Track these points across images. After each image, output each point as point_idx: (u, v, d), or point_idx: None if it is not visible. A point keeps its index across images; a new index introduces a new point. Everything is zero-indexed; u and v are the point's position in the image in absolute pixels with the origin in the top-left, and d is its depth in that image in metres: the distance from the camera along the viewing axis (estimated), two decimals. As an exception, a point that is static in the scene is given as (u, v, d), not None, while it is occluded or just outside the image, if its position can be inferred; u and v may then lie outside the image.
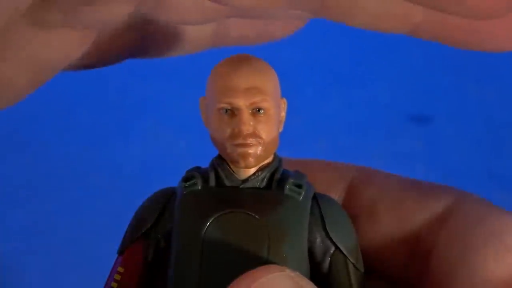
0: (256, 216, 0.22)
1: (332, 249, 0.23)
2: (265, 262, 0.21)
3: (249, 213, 0.22)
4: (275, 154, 0.24)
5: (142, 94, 0.78)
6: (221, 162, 0.23)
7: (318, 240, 0.23)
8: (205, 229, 0.22)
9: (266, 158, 0.23)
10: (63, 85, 0.80)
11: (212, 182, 0.23)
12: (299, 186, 0.23)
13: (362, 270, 0.23)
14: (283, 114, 0.24)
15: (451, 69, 0.72)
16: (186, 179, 0.23)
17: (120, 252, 0.24)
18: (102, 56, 0.23)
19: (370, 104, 0.70)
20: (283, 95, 0.24)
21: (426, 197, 0.24)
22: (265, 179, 0.23)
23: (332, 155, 0.57)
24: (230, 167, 0.23)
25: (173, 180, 0.25)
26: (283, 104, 0.24)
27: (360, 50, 0.75)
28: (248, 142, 0.22)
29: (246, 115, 0.22)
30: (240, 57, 0.23)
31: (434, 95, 0.71)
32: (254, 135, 0.22)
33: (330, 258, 0.23)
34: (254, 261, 0.21)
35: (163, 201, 0.23)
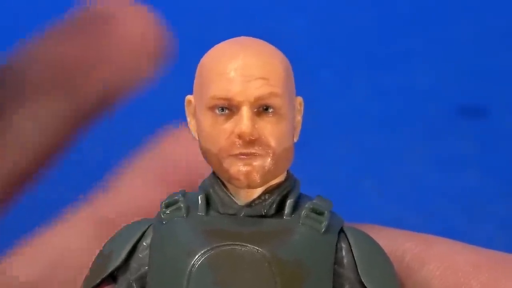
0: (259, 252, 0.21)
1: None
2: None
3: (250, 247, 0.21)
4: (288, 172, 0.23)
5: (142, 94, 0.84)
6: (215, 182, 0.23)
7: (347, 286, 0.22)
8: (188, 269, 0.21)
9: (276, 176, 0.22)
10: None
11: (202, 208, 0.22)
12: (321, 213, 0.22)
13: None
14: (299, 118, 0.23)
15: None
16: (167, 205, 0.22)
17: None
18: None
19: (407, 93, 0.68)
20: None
21: (502, 277, 0.24)
22: (274, 205, 0.22)
23: (356, 159, 0.57)
24: (226, 189, 0.22)
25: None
26: (299, 104, 0.23)
27: (393, 21, 0.72)
28: (252, 151, 0.21)
29: (249, 114, 0.21)
30: (241, 40, 0.22)
31: (490, 81, 0.67)
32: (260, 142, 0.21)
33: None
34: None
35: (136, 236, 0.23)
